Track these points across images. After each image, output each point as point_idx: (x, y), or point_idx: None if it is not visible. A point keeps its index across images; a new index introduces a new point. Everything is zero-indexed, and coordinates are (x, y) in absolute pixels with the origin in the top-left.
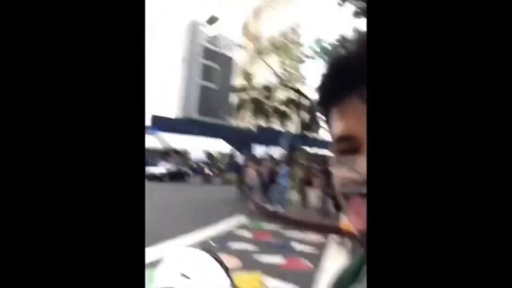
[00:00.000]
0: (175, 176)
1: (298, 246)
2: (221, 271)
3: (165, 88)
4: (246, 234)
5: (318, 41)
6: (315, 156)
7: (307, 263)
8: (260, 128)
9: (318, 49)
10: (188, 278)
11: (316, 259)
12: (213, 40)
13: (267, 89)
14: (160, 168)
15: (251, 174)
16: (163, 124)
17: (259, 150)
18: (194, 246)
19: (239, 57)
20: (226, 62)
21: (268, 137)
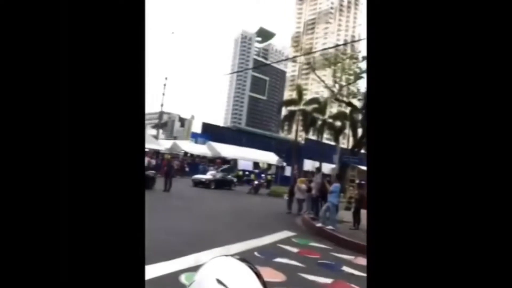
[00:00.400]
0: (221, 183)
1: (346, 269)
2: (258, 284)
3: (215, 98)
4: (292, 249)
5: None
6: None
7: None
8: (308, 141)
9: None
10: (225, 286)
11: (365, 284)
12: (264, 52)
13: (318, 102)
14: (206, 175)
15: (301, 189)
16: (212, 132)
17: (307, 164)
18: (235, 255)
19: (290, 70)
20: (276, 74)
21: (317, 151)
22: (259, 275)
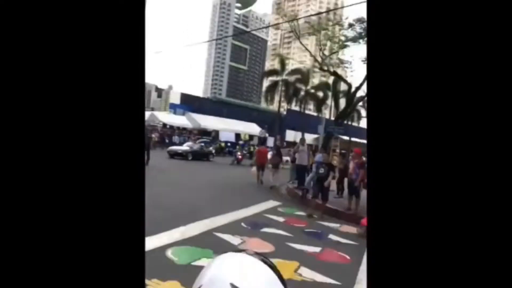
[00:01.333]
0: (199, 155)
1: (333, 237)
2: (277, 281)
3: (193, 68)
4: (278, 218)
5: (361, 22)
6: (352, 144)
7: (344, 255)
8: (291, 111)
9: (361, 31)
10: None
11: (352, 251)
12: (244, 19)
13: (301, 72)
14: (183, 146)
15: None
16: (191, 103)
17: (289, 135)
18: (246, 252)
19: (271, 38)
20: (257, 43)
21: (300, 121)
22: (280, 275)
